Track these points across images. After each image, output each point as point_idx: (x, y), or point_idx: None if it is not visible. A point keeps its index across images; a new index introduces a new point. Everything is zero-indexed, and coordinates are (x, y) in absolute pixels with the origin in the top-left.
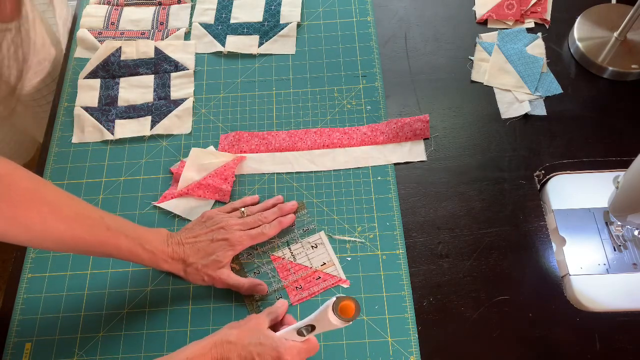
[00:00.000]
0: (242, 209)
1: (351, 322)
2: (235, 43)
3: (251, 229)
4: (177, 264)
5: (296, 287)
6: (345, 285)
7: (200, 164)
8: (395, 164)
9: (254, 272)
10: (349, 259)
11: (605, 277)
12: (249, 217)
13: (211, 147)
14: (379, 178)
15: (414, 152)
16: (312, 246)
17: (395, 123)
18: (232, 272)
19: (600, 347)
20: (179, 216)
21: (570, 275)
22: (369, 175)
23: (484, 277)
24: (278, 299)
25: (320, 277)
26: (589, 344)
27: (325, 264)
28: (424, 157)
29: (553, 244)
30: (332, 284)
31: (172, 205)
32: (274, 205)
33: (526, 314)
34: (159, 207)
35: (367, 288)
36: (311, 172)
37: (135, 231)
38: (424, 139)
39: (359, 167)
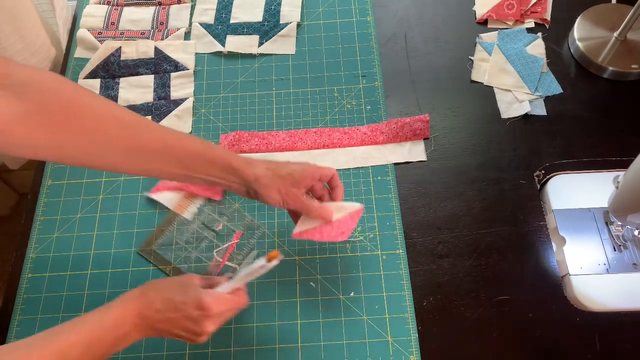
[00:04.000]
0: None
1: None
2: (235, 43)
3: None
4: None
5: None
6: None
7: None
8: (395, 164)
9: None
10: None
11: (605, 277)
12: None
13: None
14: (379, 178)
15: (414, 152)
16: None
17: (395, 123)
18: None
19: (600, 347)
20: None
21: (570, 275)
22: (369, 175)
23: (484, 277)
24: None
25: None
26: (589, 344)
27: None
28: (424, 157)
29: (553, 244)
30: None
31: (164, 198)
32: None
33: (526, 313)
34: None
35: (367, 288)
36: None
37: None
38: (424, 139)
39: (358, 167)
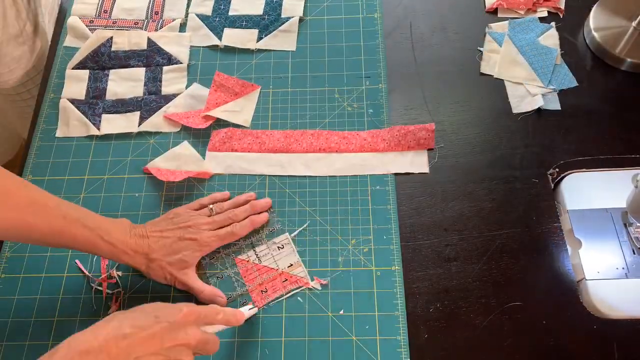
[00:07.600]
0: (211, 206)
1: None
2: (233, 37)
3: (221, 227)
4: (139, 258)
5: (261, 291)
6: (316, 287)
7: (178, 153)
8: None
9: (217, 277)
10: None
11: (624, 282)
12: (218, 216)
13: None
14: (377, 187)
15: (416, 163)
16: (278, 247)
17: (398, 130)
18: (196, 276)
19: (618, 357)
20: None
21: (586, 280)
22: (367, 184)
23: (495, 282)
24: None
25: (286, 280)
26: (606, 353)
27: (292, 265)
28: (426, 170)
29: (568, 247)
30: (299, 286)
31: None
32: (245, 202)
33: (539, 321)
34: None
35: (359, 306)
36: (305, 177)
37: (94, 221)
38: (428, 150)
39: (356, 175)
